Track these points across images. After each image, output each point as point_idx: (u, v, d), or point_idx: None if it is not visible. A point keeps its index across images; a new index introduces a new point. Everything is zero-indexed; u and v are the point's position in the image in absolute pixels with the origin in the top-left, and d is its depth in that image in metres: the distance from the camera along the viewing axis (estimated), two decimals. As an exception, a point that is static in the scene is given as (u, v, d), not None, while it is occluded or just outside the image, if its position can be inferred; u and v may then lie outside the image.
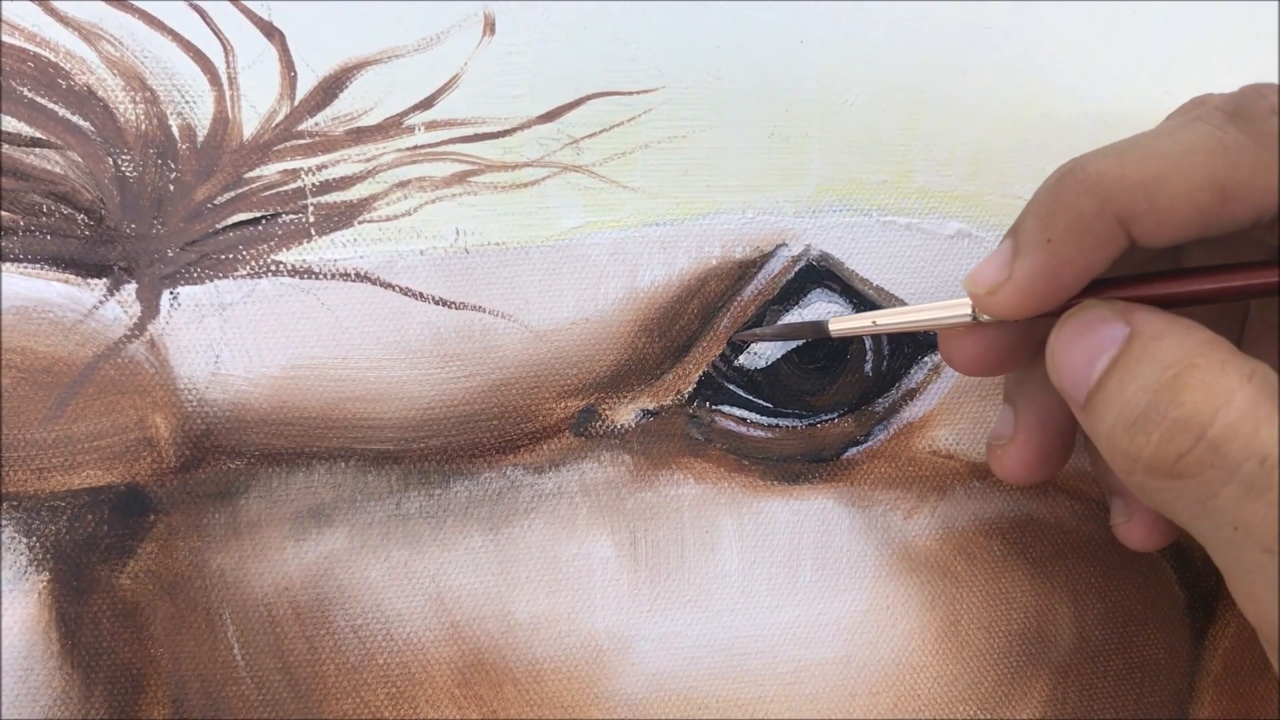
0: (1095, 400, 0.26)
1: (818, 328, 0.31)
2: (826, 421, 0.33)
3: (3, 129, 0.29)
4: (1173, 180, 0.25)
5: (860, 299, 0.33)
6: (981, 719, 0.33)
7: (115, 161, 0.29)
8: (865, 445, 0.33)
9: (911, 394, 0.33)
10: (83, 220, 0.29)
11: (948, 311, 0.29)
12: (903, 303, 0.33)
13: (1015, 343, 0.29)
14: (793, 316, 0.32)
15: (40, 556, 0.29)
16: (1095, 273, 0.26)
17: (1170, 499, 0.25)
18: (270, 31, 0.30)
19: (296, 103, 0.30)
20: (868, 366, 0.33)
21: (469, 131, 0.31)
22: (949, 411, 0.33)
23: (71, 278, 0.29)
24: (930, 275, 0.33)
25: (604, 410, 0.32)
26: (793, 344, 0.32)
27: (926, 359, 0.33)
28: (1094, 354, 0.26)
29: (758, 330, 0.32)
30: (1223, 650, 0.35)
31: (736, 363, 0.32)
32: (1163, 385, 0.24)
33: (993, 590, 0.33)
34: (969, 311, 0.28)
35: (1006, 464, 0.31)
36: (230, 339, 0.30)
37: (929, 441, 0.33)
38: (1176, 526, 0.31)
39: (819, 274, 0.33)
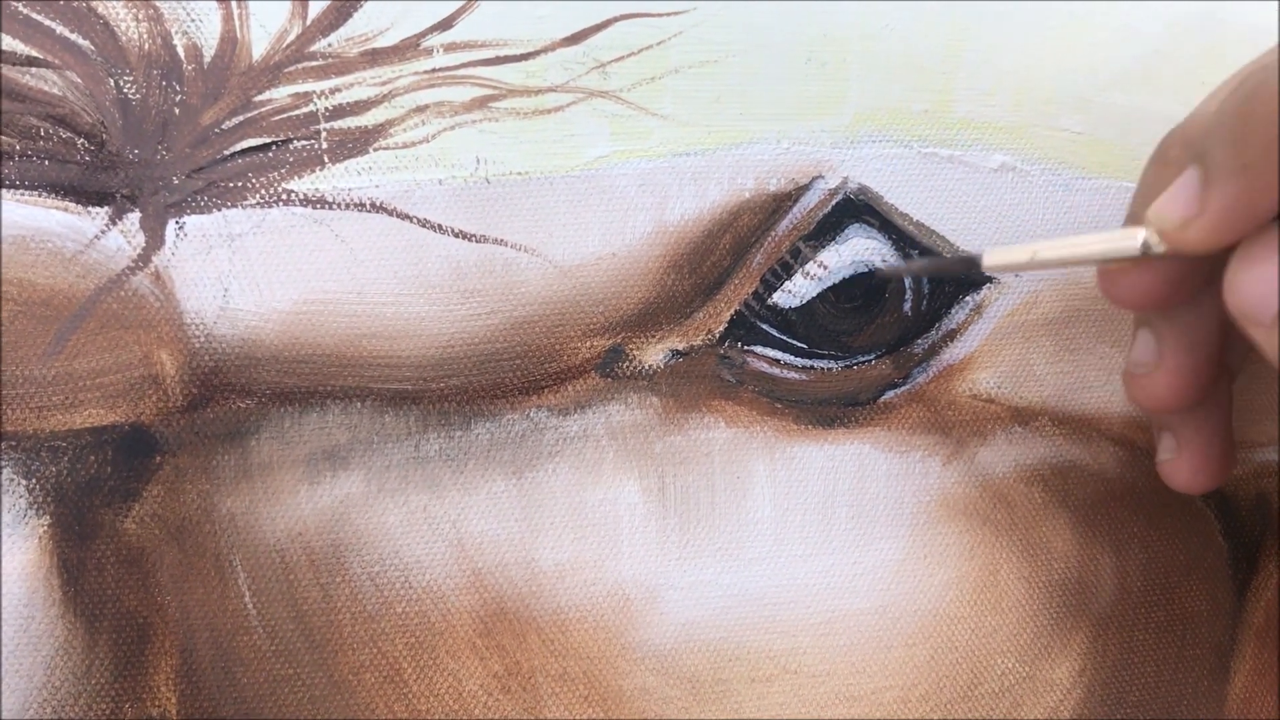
0: None
1: (971, 262, 0.29)
2: (864, 363, 0.31)
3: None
4: None
5: (900, 235, 0.31)
6: (1020, 671, 0.32)
7: (117, 83, 0.28)
8: (903, 388, 0.32)
9: (952, 335, 0.32)
10: (83, 145, 0.28)
11: (1117, 244, 0.27)
12: (943, 238, 0.31)
13: (1187, 274, 0.27)
14: (829, 253, 0.31)
15: (40, 499, 0.28)
16: None
17: None
18: (280, -55, 0.28)
19: (309, 22, 0.29)
20: (907, 306, 0.31)
21: (490, 54, 0.29)
22: (991, 354, 0.32)
23: (71, 206, 0.28)
24: (973, 210, 0.32)
25: (631, 350, 0.30)
26: (829, 282, 0.31)
27: (968, 298, 0.32)
28: None
29: (904, 265, 0.30)
30: (1265, 602, 0.34)
31: (770, 301, 0.31)
32: None
33: (1033, 539, 0.32)
34: (1139, 243, 0.26)
35: (1154, 392, 0.29)
36: (239, 271, 0.28)
37: (969, 385, 0.32)
38: (1223, 469, 0.30)
39: (857, 208, 0.31)
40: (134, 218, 0.28)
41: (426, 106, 0.29)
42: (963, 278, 0.32)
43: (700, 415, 0.31)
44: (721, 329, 0.31)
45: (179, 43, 0.28)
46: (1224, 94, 0.25)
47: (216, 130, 0.28)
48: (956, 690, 0.32)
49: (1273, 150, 0.24)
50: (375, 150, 0.29)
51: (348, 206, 0.29)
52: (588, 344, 0.30)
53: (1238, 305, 0.25)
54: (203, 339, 0.28)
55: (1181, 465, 0.30)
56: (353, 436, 0.29)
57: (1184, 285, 0.28)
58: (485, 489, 0.29)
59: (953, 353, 0.32)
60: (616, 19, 0.30)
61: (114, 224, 0.28)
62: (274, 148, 0.28)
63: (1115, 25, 0.32)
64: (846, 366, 0.31)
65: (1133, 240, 0.26)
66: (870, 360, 0.31)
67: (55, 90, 0.28)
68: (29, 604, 0.28)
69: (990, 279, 0.32)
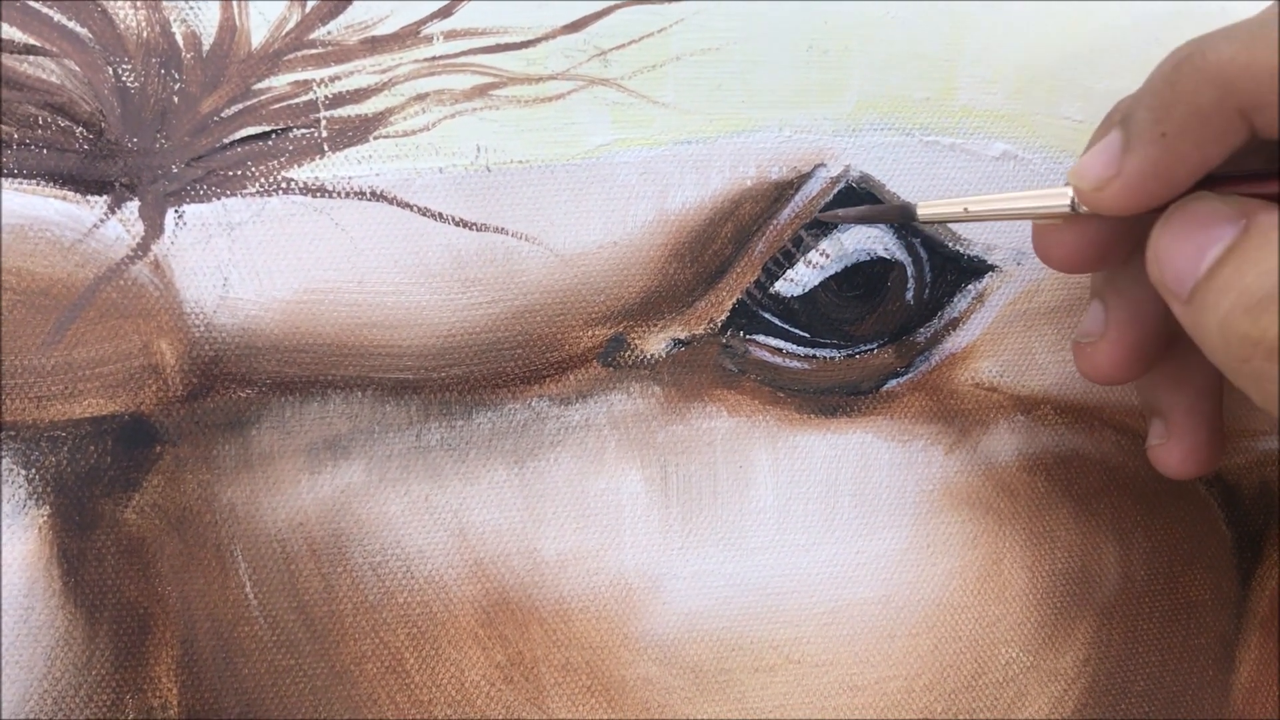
0: (1205, 289, 0.24)
1: (905, 211, 0.29)
2: (866, 352, 0.31)
3: (-6, 35, 0.27)
4: None
5: (903, 224, 0.31)
6: (1024, 661, 0.32)
7: (115, 71, 0.28)
8: (906, 377, 0.31)
9: (954, 323, 0.32)
10: (81, 133, 0.28)
11: (1046, 201, 0.27)
12: (945, 227, 0.31)
13: (1115, 237, 0.28)
14: (831, 242, 0.31)
15: (40, 489, 0.27)
16: (1210, 167, 0.25)
17: None
18: (279, -68, 0.28)
19: (308, 9, 0.28)
20: (909, 294, 0.31)
21: (490, 42, 0.29)
22: (993, 342, 0.32)
23: (70, 194, 0.28)
24: (975, 198, 0.32)
25: (633, 339, 0.30)
26: (831, 270, 0.31)
27: (970, 287, 0.32)
28: (1204, 246, 0.24)
29: (840, 211, 0.30)
30: (1270, 591, 0.34)
31: (772, 290, 0.31)
32: None
33: (1036, 528, 0.32)
34: (1068, 202, 0.27)
35: (1096, 362, 0.29)
36: (239, 260, 0.28)
37: (972, 373, 0.32)
38: (1213, 455, 0.30)
39: (859, 197, 0.31)
40: (133, 206, 0.28)
41: (427, 94, 0.29)
42: (965, 265, 0.32)
43: (702, 404, 0.30)
44: (723, 318, 0.31)
45: (177, 30, 0.28)
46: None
47: (215, 118, 0.28)
48: (960, 680, 0.31)
49: (1191, 123, 0.24)
50: (375, 138, 0.29)
51: (348, 195, 0.29)
52: (589, 333, 0.30)
53: (1157, 278, 0.25)
54: (203, 328, 0.28)
55: (1171, 450, 0.30)
56: (354, 426, 0.29)
57: (1112, 249, 0.28)
58: (487, 478, 0.29)
59: (955, 341, 0.32)
60: (617, 6, 0.30)
61: (113, 213, 0.28)
62: (273, 136, 0.28)
63: (1117, 13, 0.32)
64: (849, 355, 0.31)
65: (1062, 199, 0.27)
66: (872, 349, 0.31)
67: (53, 78, 0.27)
68: (29, 595, 0.27)
69: (993, 267, 0.32)
